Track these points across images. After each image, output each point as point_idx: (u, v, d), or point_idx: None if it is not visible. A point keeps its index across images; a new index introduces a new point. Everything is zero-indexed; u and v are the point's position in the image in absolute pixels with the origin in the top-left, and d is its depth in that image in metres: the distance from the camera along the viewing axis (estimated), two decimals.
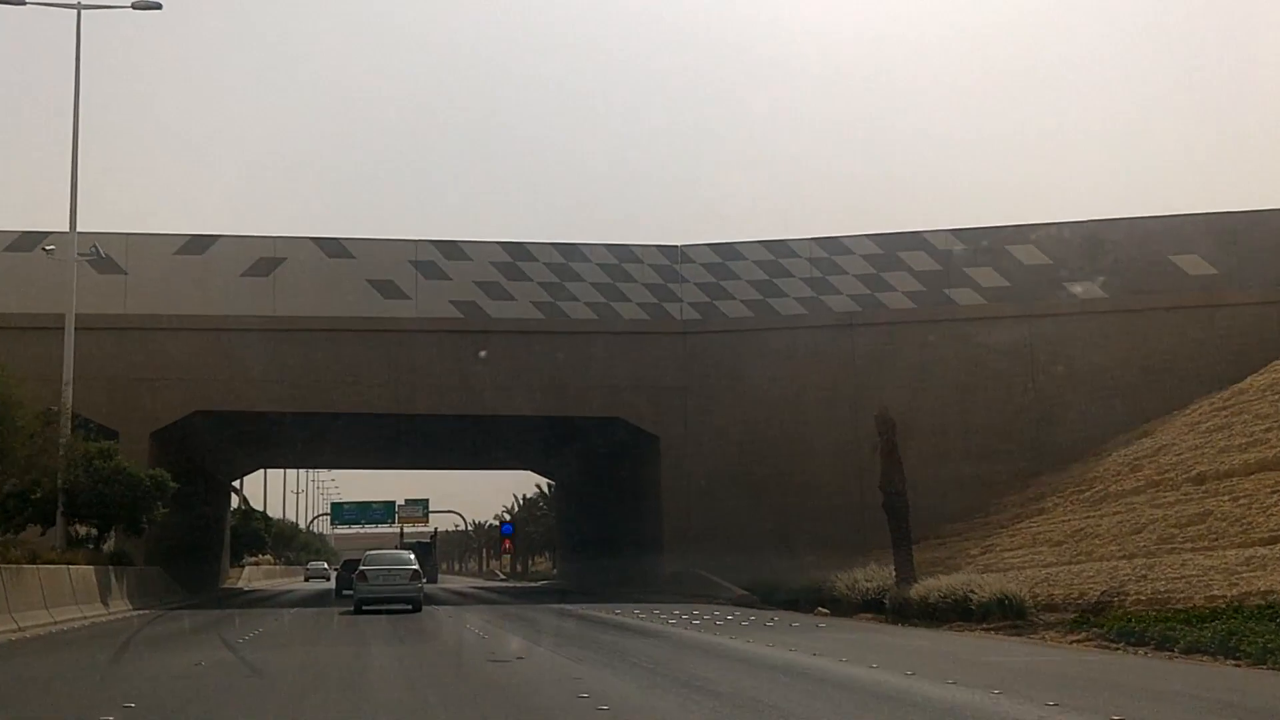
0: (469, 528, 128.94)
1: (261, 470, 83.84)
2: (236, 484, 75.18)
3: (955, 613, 25.11)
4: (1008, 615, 23.83)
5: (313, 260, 41.53)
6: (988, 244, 41.86)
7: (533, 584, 67.42)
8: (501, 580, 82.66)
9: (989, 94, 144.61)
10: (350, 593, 34.25)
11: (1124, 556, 24.76)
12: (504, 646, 19.26)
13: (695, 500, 41.64)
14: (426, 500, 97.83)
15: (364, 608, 30.20)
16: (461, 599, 42.64)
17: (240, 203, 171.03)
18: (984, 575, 26.53)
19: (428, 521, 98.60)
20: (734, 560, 39.18)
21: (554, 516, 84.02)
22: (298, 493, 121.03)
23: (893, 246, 42.40)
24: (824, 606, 30.78)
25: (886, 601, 27.98)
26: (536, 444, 55.30)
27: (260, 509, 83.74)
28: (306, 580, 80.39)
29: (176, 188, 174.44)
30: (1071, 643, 20.46)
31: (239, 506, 75.64)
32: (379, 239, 42.69)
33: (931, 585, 26.67)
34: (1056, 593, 24.50)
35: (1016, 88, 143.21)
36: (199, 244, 41.15)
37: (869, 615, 28.42)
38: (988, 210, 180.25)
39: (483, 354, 41.12)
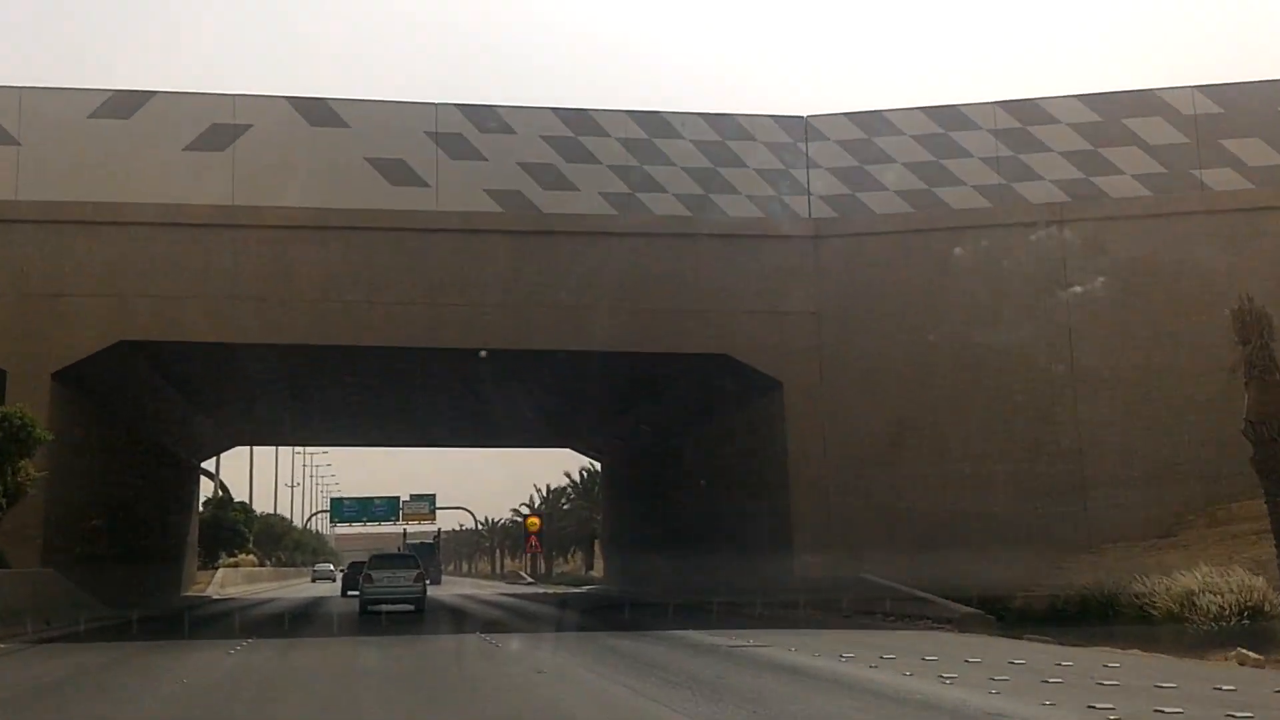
0: (480, 525, 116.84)
1: (240, 457, 71.93)
2: (212, 470, 62.70)
3: None
4: None
5: (289, 129, 29.06)
6: (1253, 105, 29.28)
7: (574, 589, 54.44)
8: (529, 584, 69.80)
9: None
10: (356, 593, 35.33)
11: None
12: None
13: (839, 475, 29.20)
14: (433, 495, 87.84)
15: (369, 609, 29.70)
16: (510, 618, 29.72)
17: (186, 48, 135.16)
18: None
19: (434, 518, 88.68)
20: (902, 558, 27.07)
21: (590, 506, 71.73)
22: (292, 486, 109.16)
23: (1115, 111, 29.86)
24: (1092, 621, 19.31)
25: None
26: (584, 405, 42.62)
27: (244, 500, 71.27)
28: (314, 581, 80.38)
29: (101, 29, 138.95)
30: None
31: (215, 495, 63.10)
32: (384, 101, 30.15)
33: None
34: None
35: None
36: (125, 103, 28.62)
37: (1216, 650, 16.17)
38: (1241, 63, 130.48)
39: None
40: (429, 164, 29.34)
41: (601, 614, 29.09)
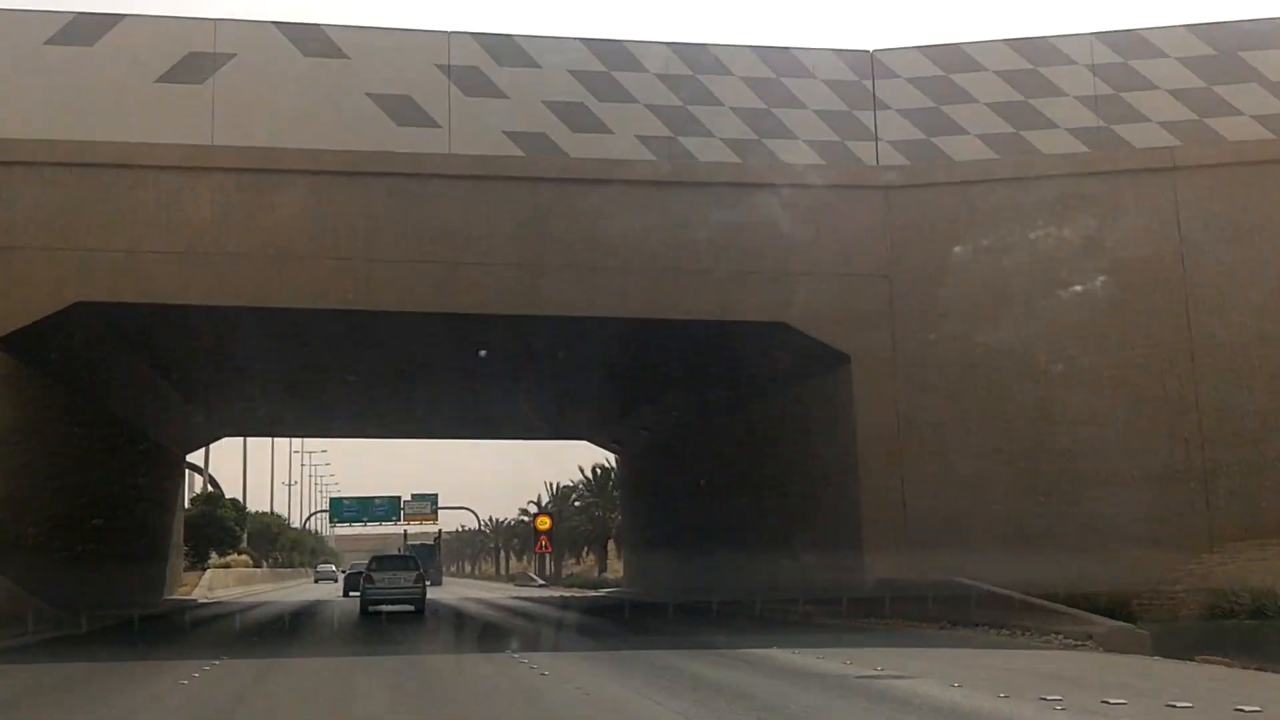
0: (484, 525, 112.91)
1: (233, 455, 68.01)
2: (200, 464, 58.71)
3: None
4: None
5: (278, 59, 24.97)
6: None
7: (592, 591, 50.44)
8: (540, 585, 65.73)
9: None
10: (357, 594, 36.36)
11: None
12: None
13: (920, 463, 25.17)
14: (435, 495, 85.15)
15: (369, 609, 30.32)
16: (536, 628, 25.53)
17: None
18: None
19: (437, 518, 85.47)
20: (985, 558, 23.17)
21: (604, 504, 67.87)
22: (289, 484, 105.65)
23: (1230, 43, 25.88)
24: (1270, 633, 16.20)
25: None
26: (603, 389, 38.48)
27: (236, 497, 67.25)
28: (316, 581, 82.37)
29: None
30: None
31: (203, 491, 59.12)
32: (389, 29, 26.13)
33: None
34: None
35: None
36: (88, 28, 24.57)
37: None
38: None
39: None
40: (440, 101, 25.28)
41: (642, 622, 24.96)
